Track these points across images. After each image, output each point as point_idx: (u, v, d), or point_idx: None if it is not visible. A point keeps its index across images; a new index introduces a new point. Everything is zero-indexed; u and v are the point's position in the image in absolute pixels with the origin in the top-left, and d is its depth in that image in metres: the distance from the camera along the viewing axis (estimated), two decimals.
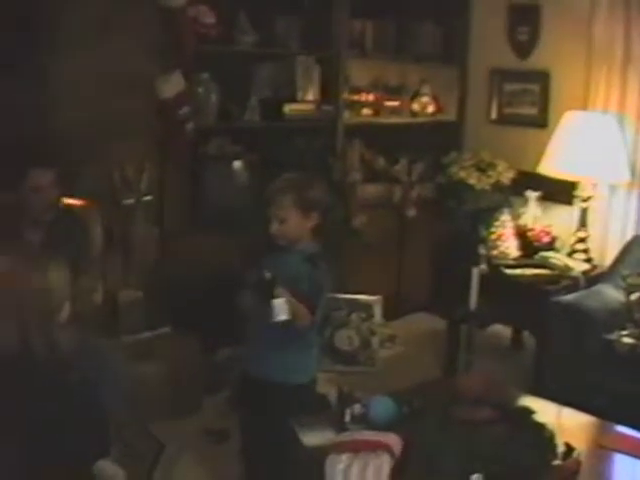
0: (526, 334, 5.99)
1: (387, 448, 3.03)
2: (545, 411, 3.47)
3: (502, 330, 6.12)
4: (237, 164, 5.57)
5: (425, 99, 6.85)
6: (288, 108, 5.77)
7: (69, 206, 4.58)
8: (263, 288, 3.37)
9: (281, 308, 3.33)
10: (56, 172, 3.88)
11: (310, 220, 3.61)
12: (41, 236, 3.85)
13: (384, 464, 2.97)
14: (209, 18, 5.30)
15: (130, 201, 5.02)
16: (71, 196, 4.60)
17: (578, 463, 3.01)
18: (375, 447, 3.03)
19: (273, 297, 3.34)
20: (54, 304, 2.73)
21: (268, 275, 3.37)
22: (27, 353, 2.64)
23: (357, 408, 3.39)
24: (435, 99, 6.95)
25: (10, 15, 4.40)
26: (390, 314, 6.06)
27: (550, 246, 5.67)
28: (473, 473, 2.88)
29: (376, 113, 6.60)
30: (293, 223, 3.58)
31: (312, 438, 3.28)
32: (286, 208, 3.56)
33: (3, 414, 2.67)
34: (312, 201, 3.61)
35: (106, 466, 3.69)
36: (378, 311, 5.71)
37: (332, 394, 3.78)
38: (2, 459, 2.70)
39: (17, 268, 2.71)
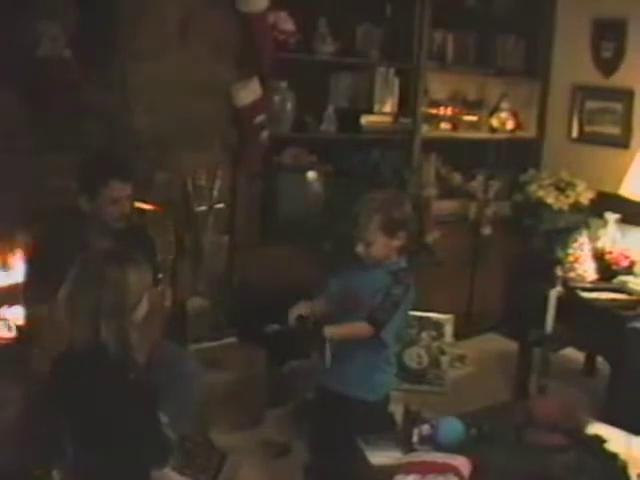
0: (600, 360, 5.83)
1: (456, 471, 3.00)
2: (617, 440, 3.38)
3: (574, 354, 5.98)
4: (311, 175, 5.51)
5: (504, 114, 6.76)
6: (365, 119, 5.69)
7: (140, 212, 4.61)
8: (308, 334, 3.54)
9: (329, 356, 3.51)
10: (133, 184, 3.89)
11: (397, 240, 3.58)
12: (109, 244, 3.85)
13: None
14: (288, 25, 5.26)
15: (202, 208, 5.00)
16: (144, 201, 4.60)
17: None
18: (444, 470, 3.00)
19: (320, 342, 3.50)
20: (130, 303, 2.75)
21: (309, 325, 3.55)
22: (98, 349, 2.70)
23: (425, 429, 3.36)
24: (514, 115, 6.86)
25: (93, 18, 4.40)
26: (460, 334, 5.96)
27: (629, 270, 5.50)
28: None
29: (454, 127, 6.52)
30: (380, 245, 3.56)
31: (379, 457, 3.23)
32: (373, 231, 3.53)
33: (69, 408, 2.77)
34: (399, 222, 3.59)
35: (175, 477, 3.70)
36: (449, 330, 5.63)
37: (398, 412, 3.73)
38: (65, 455, 2.82)
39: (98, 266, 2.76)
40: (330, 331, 3.50)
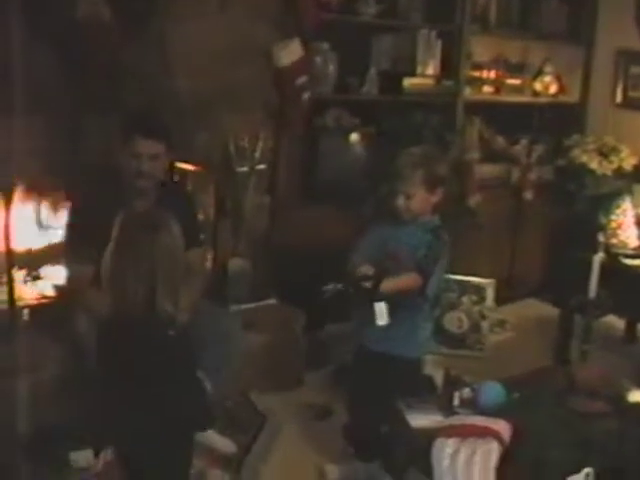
0: None
1: (496, 435, 3.01)
2: None
3: (615, 321, 5.94)
4: (353, 136, 5.49)
5: (548, 78, 6.68)
6: (407, 82, 5.65)
7: (182, 172, 4.61)
8: (365, 288, 3.48)
9: (381, 312, 3.50)
10: (168, 141, 3.87)
11: (435, 196, 3.66)
12: (149, 204, 3.84)
13: (492, 451, 2.96)
14: None
15: (244, 169, 4.98)
16: (185, 162, 4.61)
17: None
18: (484, 433, 3.02)
19: (375, 299, 3.49)
20: (168, 266, 2.77)
21: (371, 272, 3.49)
22: (140, 311, 2.73)
23: (466, 392, 3.39)
24: (558, 79, 6.78)
25: None
26: (500, 298, 5.93)
27: None
28: (583, 466, 2.85)
29: (497, 91, 6.47)
30: (419, 199, 3.62)
31: (419, 420, 3.25)
32: (414, 184, 3.60)
33: (120, 373, 2.79)
34: (439, 177, 3.70)
35: (216, 437, 3.74)
36: (490, 295, 5.61)
37: (438, 376, 3.74)
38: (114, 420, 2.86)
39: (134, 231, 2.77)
40: (386, 285, 3.50)
